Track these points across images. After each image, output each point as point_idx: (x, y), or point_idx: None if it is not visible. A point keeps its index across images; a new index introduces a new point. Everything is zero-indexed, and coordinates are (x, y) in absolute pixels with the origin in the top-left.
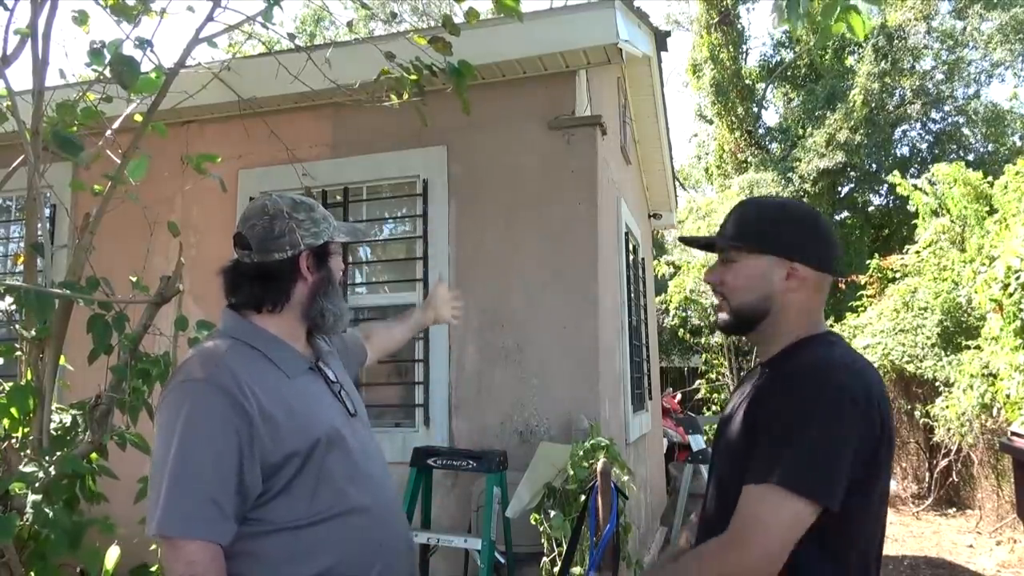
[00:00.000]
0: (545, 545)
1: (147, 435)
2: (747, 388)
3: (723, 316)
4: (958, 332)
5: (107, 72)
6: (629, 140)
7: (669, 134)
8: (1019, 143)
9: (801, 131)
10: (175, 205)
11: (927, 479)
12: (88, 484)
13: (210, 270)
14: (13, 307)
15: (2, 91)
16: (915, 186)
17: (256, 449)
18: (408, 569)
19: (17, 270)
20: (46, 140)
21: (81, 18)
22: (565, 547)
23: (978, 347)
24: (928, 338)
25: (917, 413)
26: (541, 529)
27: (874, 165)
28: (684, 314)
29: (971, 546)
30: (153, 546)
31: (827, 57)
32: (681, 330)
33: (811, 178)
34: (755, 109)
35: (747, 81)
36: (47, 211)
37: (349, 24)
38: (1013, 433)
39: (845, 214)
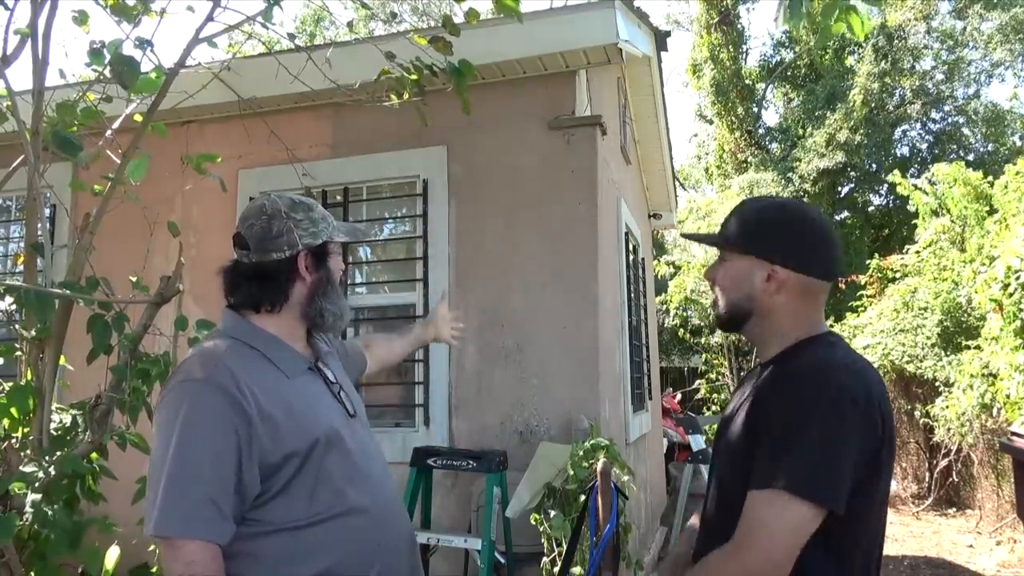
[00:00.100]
0: (545, 545)
1: (147, 435)
2: (747, 388)
3: (716, 312)
4: (958, 332)
5: (107, 72)
6: (629, 140)
7: (669, 134)
8: (1019, 143)
9: (801, 131)
10: (175, 205)
11: (927, 479)
12: (88, 484)
13: (210, 270)
14: (13, 307)
15: (2, 91)
16: (915, 186)
17: (255, 449)
18: (409, 568)
19: (17, 270)
20: (46, 140)
21: (81, 18)
22: (565, 547)
23: (978, 347)
24: (928, 338)
25: (917, 413)
26: (541, 529)
27: (874, 165)
28: (684, 314)
29: (971, 546)
30: (152, 547)
31: (827, 57)
32: (681, 330)
33: (811, 178)
34: (755, 109)
35: (747, 81)
36: (47, 211)
37: (349, 24)
38: (1013, 433)
39: (845, 214)
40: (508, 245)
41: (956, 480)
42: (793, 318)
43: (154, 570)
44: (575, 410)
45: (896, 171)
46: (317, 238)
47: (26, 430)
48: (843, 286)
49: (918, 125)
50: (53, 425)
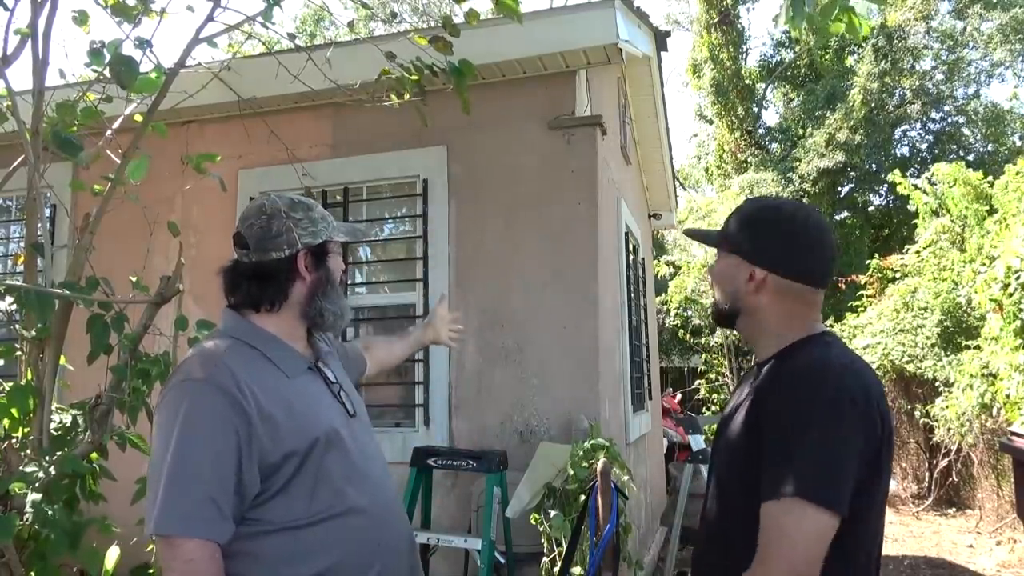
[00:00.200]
0: (545, 545)
1: (147, 435)
2: (746, 388)
3: (711, 307)
4: (958, 332)
5: (107, 72)
6: (629, 140)
7: (669, 134)
8: (1019, 143)
9: (801, 131)
10: (175, 205)
11: (927, 479)
12: (88, 484)
13: (210, 270)
14: (13, 307)
15: (2, 91)
16: (915, 186)
17: (254, 449)
18: (409, 569)
19: (17, 270)
20: (46, 140)
21: (81, 18)
22: (565, 547)
23: (978, 347)
24: (928, 338)
25: (917, 413)
26: (541, 529)
27: (874, 165)
28: (684, 314)
29: (971, 546)
30: (150, 547)
31: (827, 57)
32: (681, 330)
33: (811, 178)
34: (755, 109)
35: (747, 81)
36: (47, 211)
37: (350, 24)
38: (1013, 433)
39: (845, 214)
40: (508, 245)
41: (956, 480)
42: (780, 318)
43: (151, 572)
44: (575, 410)
45: (896, 171)
46: (317, 237)
47: (26, 430)
48: (843, 286)
49: (918, 125)
50: (53, 425)
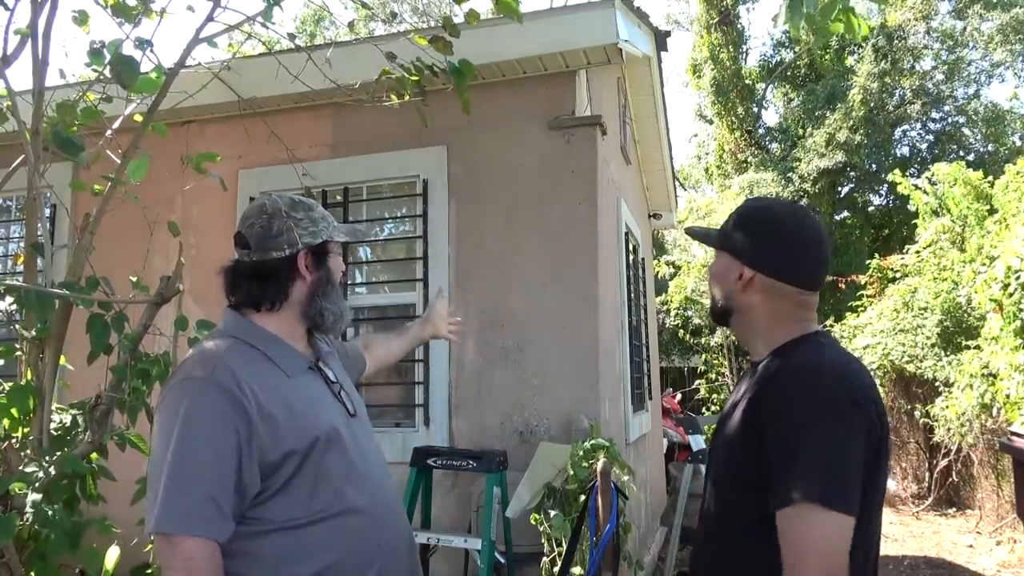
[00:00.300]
0: (545, 545)
1: (147, 435)
2: (743, 387)
3: (709, 305)
4: (958, 332)
5: (107, 72)
6: (629, 140)
7: (669, 134)
8: (1019, 143)
9: (801, 131)
10: (175, 205)
11: (927, 479)
12: (88, 484)
13: (210, 270)
14: (13, 307)
15: (2, 91)
16: (915, 186)
17: (255, 448)
18: (409, 569)
19: (17, 270)
20: (46, 140)
21: (81, 18)
22: (565, 547)
23: (978, 347)
24: (928, 338)
25: (917, 413)
26: (541, 529)
27: (874, 165)
28: (684, 314)
29: (971, 546)
30: (149, 547)
31: (827, 57)
32: (681, 330)
33: (811, 178)
34: (755, 109)
35: (747, 81)
36: (47, 211)
37: (350, 24)
38: (1013, 433)
39: (845, 214)
40: (508, 245)
41: (956, 480)
42: (770, 317)
43: (150, 572)
44: (575, 410)
45: (896, 171)
46: (317, 237)
47: (26, 430)
48: (843, 286)
49: (918, 125)
50: (53, 425)
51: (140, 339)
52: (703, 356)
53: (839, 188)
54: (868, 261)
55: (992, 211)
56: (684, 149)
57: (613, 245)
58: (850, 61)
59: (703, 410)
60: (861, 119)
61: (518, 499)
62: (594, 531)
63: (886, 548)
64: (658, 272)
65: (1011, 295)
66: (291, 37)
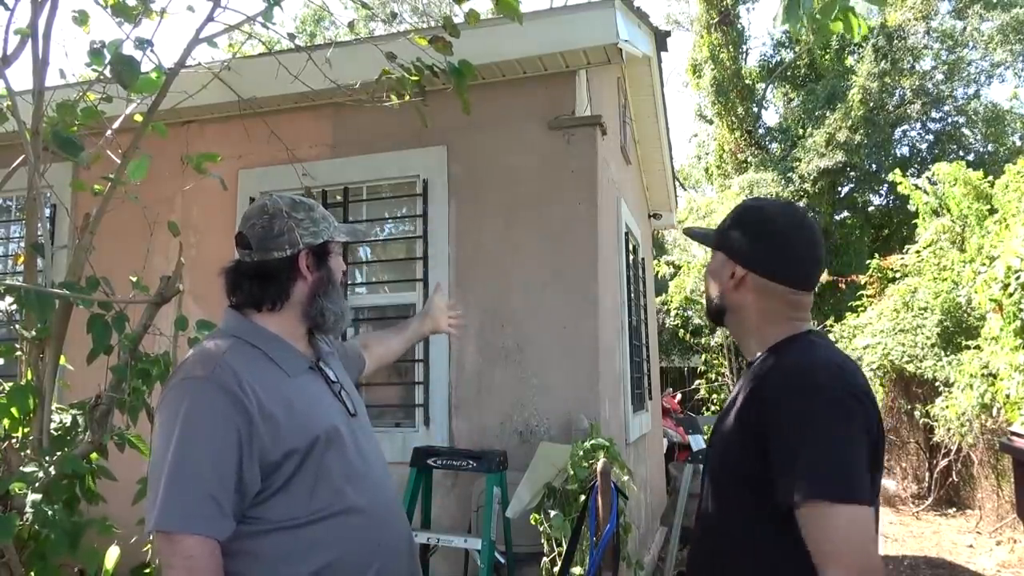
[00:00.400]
0: (545, 545)
1: (147, 435)
2: (740, 385)
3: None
4: (958, 332)
5: (107, 72)
6: (629, 140)
7: (669, 134)
8: (1019, 143)
9: (801, 131)
10: (175, 205)
11: (927, 479)
12: (88, 484)
13: (210, 270)
14: (13, 307)
15: (2, 91)
16: (915, 186)
17: (255, 447)
18: (408, 569)
19: (17, 270)
20: (46, 140)
21: (81, 18)
22: (565, 547)
23: (978, 347)
24: (928, 338)
25: (917, 413)
26: (541, 529)
27: (874, 165)
28: (684, 314)
29: (971, 546)
30: (147, 547)
31: (827, 57)
32: (681, 330)
33: (811, 178)
34: (755, 109)
35: (747, 81)
36: (47, 211)
37: (350, 24)
38: (1013, 433)
39: (845, 214)
40: (508, 245)
41: (956, 480)
42: (761, 316)
43: (148, 572)
44: (575, 410)
45: (897, 170)
46: (318, 237)
47: (26, 430)
48: (843, 286)
49: (918, 125)
50: (53, 425)
51: (140, 339)
52: (703, 356)
53: (839, 188)
54: (868, 261)
55: (992, 211)
56: (684, 149)
57: (613, 245)
58: (850, 61)
59: (703, 410)
60: (861, 119)
61: (518, 499)
62: (594, 531)
63: (886, 548)
64: (658, 272)
65: (1011, 295)
66: (291, 37)
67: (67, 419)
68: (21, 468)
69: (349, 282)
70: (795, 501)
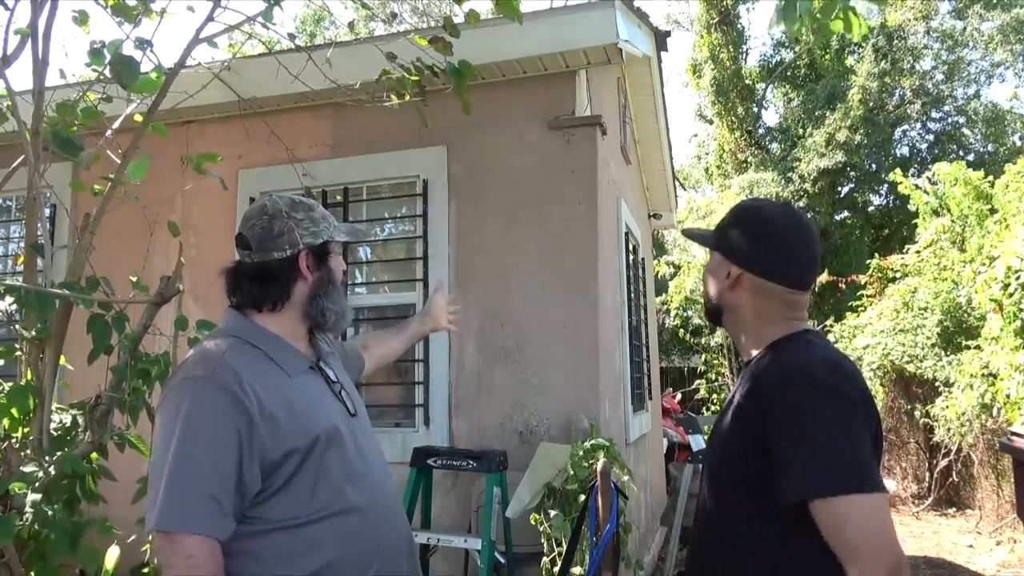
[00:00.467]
0: (545, 545)
1: (147, 435)
2: (738, 384)
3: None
4: (958, 332)
5: (107, 72)
6: (629, 140)
7: (669, 134)
8: (1019, 143)
9: (801, 131)
10: (175, 205)
11: (927, 479)
12: (88, 484)
13: (210, 270)
14: (13, 307)
15: (2, 91)
16: (916, 186)
17: (255, 447)
18: (408, 569)
19: (17, 270)
20: (46, 140)
21: (81, 18)
22: (565, 547)
23: (978, 347)
24: (928, 338)
25: (917, 413)
26: (541, 529)
27: (874, 165)
28: (684, 314)
29: (971, 546)
30: (146, 546)
31: (827, 57)
32: (681, 330)
33: (811, 178)
34: (755, 109)
35: (747, 81)
36: (47, 211)
37: (350, 24)
38: (1013, 433)
39: (845, 214)
40: (508, 245)
41: (956, 480)
42: (757, 316)
43: (147, 571)
44: (575, 410)
45: (897, 170)
46: (318, 237)
47: (26, 430)
48: (843, 286)
49: (918, 125)
50: (53, 425)
51: (140, 339)
52: (703, 356)
53: (839, 188)
54: (868, 261)
55: (992, 211)
56: (684, 149)
57: (613, 245)
58: (850, 61)
59: (703, 410)
60: (861, 119)
61: (518, 499)
62: (594, 531)
63: None
64: (658, 272)
65: (1011, 295)
66: (291, 37)
67: (67, 419)
68: (21, 468)
69: (349, 282)
70: (807, 497)
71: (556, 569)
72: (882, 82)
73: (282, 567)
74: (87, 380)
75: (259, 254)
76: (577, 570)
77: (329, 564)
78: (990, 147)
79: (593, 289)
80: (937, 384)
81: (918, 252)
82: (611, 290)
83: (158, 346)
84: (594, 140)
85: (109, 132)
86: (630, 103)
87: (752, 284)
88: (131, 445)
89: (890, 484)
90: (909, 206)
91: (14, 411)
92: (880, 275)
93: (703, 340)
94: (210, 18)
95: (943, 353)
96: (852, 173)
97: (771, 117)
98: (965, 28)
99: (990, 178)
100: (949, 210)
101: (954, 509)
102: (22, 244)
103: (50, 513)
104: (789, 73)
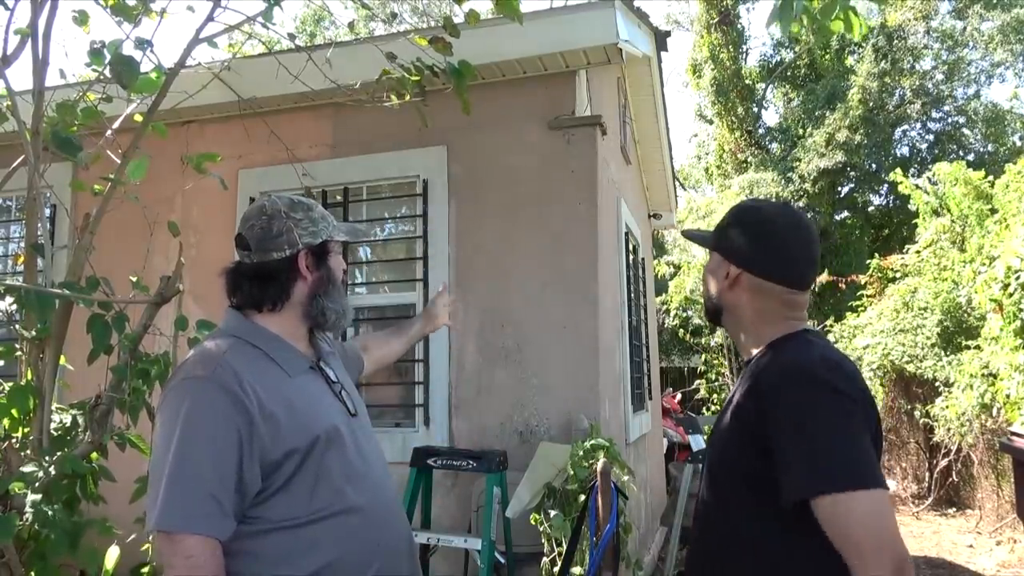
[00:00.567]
0: (545, 545)
1: (147, 435)
2: (738, 384)
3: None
4: (958, 332)
5: (107, 72)
6: (629, 140)
7: (669, 134)
8: (1019, 143)
9: (801, 131)
10: (175, 205)
11: (927, 479)
12: (88, 484)
13: (210, 270)
14: (13, 307)
15: (2, 91)
16: (916, 185)
17: (256, 447)
18: (408, 569)
19: (17, 270)
20: (46, 140)
21: (81, 18)
22: (565, 547)
23: (978, 347)
24: (928, 338)
25: (917, 413)
26: (541, 529)
27: (874, 165)
28: (684, 314)
29: (971, 546)
30: (146, 546)
31: (827, 57)
32: (681, 330)
33: (811, 178)
34: (755, 109)
35: (747, 81)
36: (47, 211)
37: (350, 24)
38: (1013, 433)
39: (845, 214)
40: (508, 245)
41: (956, 480)
42: (756, 315)
43: (147, 571)
44: (575, 410)
45: (898, 170)
46: (317, 237)
47: (26, 430)
48: (843, 286)
49: (918, 125)
50: (53, 425)
51: (140, 339)
52: (703, 356)
53: (839, 188)
54: (868, 261)
55: (992, 211)
56: (684, 149)
57: (613, 245)
58: (850, 61)
59: (703, 410)
60: (861, 119)
61: (518, 499)
62: (594, 531)
63: None
64: (658, 272)
65: (1011, 295)
66: (291, 37)
67: (67, 419)
68: (21, 468)
69: (349, 282)
70: (809, 495)
71: (556, 569)
72: (882, 82)
73: (282, 567)
74: (87, 380)
75: (258, 254)
76: (577, 570)
77: (329, 564)
78: (990, 147)
79: (593, 289)
80: (937, 384)
81: (918, 252)
82: (611, 290)
83: (158, 346)
84: (594, 140)
85: (109, 132)
86: (630, 103)
87: (752, 284)
88: (131, 445)
89: (890, 484)
90: (909, 206)
91: (14, 411)
92: (880, 275)
93: (703, 340)
94: (210, 18)
95: (943, 353)
96: (852, 173)
97: (771, 117)
98: (965, 28)
99: (990, 178)
100: (949, 210)
101: (954, 509)
102: (22, 244)
103: (50, 513)
104: (789, 73)
